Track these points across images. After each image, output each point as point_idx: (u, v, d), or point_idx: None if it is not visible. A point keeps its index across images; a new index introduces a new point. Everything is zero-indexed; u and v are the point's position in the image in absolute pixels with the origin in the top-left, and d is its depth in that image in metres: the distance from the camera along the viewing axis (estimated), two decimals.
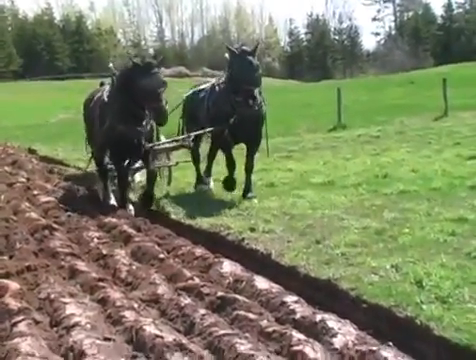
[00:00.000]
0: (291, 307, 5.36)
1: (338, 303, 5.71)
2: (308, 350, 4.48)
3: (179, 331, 5.13)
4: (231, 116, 9.51)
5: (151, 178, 9.90)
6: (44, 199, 10.62)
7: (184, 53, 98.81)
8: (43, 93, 51.69)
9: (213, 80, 10.72)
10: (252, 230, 7.88)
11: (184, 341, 4.70)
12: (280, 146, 14.76)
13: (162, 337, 4.74)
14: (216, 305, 5.61)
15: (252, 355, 4.40)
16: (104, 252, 7.48)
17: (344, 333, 4.81)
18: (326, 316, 5.06)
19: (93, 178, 11.33)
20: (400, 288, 5.59)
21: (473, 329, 4.72)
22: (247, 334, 4.88)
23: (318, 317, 5.05)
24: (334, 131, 19.19)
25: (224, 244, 7.75)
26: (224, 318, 5.34)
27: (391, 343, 4.66)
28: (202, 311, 5.36)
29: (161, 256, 7.13)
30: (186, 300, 5.66)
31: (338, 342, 4.71)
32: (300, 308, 5.33)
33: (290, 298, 5.53)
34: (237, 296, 5.68)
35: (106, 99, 9.73)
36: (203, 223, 8.53)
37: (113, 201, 10.17)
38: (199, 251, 7.20)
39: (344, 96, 20.88)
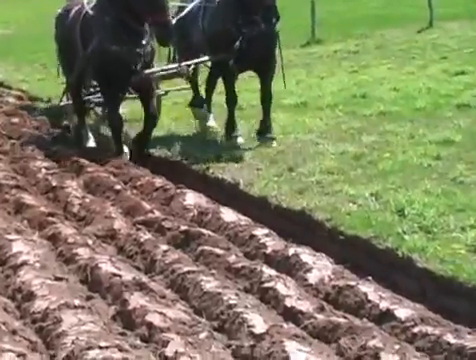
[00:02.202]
0: (261, 241, 5.40)
1: (313, 235, 5.77)
2: (280, 287, 4.53)
3: (139, 269, 5.16)
4: (235, 39, 8.42)
5: (151, 124, 8.54)
6: None
7: None
8: None
9: None
10: (218, 158, 7.86)
11: (144, 280, 4.73)
12: None
13: (120, 276, 4.76)
14: (179, 240, 5.64)
15: (219, 293, 4.44)
16: (53, 184, 7.43)
17: (319, 268, 4.86)
18: (300, 250, 5.11)
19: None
20: (380, 218, 5.65)
21: (458, 260, 4.81)
22: (214, 271, 4.92)
23: (291, 251, 5.10)
24: (308, 46, 18.98)
25: (187, 174, 7.74)
26: (188, 254, 5.38)
27: (370, 277, 4.73)
28: (164, 247, 5.38)
29: (117, 187, 7.10)
30: (146, 235, 5.68)
31: (313, 277, 4.77)
32: (271, 242, 5.37)
33: (260, 231, 5.57)
34: (202, 230, 5.71)
35: (91, 12, 8.38)
36: (163, 150, 8.48)
37: (92, 142, 9.06)
38: (159, 181, 7.19)
39: (318, 7, 20.58)
